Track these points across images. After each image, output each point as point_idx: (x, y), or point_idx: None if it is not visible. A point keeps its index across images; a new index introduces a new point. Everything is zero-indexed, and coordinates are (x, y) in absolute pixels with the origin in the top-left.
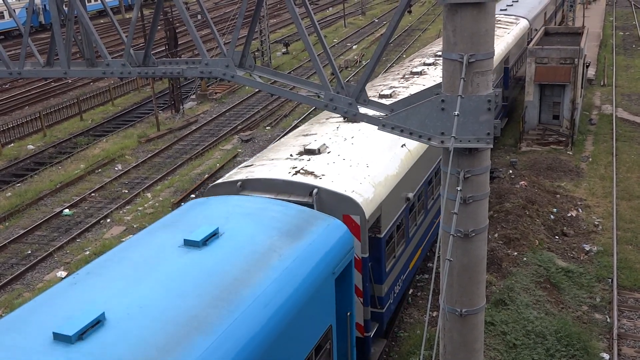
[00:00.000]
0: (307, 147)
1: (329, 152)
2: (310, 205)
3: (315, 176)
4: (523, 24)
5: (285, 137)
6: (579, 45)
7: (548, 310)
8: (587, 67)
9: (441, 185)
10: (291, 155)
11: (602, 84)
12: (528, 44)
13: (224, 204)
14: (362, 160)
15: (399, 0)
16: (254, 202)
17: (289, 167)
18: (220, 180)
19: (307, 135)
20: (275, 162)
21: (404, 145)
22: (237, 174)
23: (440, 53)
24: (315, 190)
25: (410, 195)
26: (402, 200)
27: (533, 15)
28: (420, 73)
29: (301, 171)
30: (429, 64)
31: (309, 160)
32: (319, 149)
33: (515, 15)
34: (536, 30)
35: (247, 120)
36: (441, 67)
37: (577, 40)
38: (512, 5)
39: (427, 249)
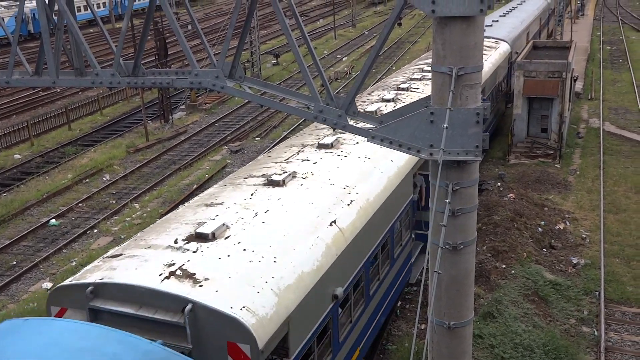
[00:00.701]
0: (199, 231)
1: (226, 237)
2: (182, 328)
3: (195, 282)
4: (503, 48)
5: (187, 203)
6: (566, 59)
7: (536, 323)
8: (575, 80)
9: (430, 198)
10: (175, 241)
11: (589, 97)
12: (510, 70)
13: (34, 337)
14: (269, 251)
15: (389, 13)
16: (80, 337)
17: (163, 263)
18: (67, 282)
19: (209, 205)
20: (150, 253)
21: (334, 222)
22: (93, 272)
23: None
24: (188, 307)
25: (340, 291)
26: (326, 299)
27: (514, 36)
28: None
29: (177, 272)
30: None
31: (195, 251)
32: (213, 234)
33: (495, 38)
34: (517, 52)
35: (236, 131)
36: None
37: (565, 54)
38: (491, 25)
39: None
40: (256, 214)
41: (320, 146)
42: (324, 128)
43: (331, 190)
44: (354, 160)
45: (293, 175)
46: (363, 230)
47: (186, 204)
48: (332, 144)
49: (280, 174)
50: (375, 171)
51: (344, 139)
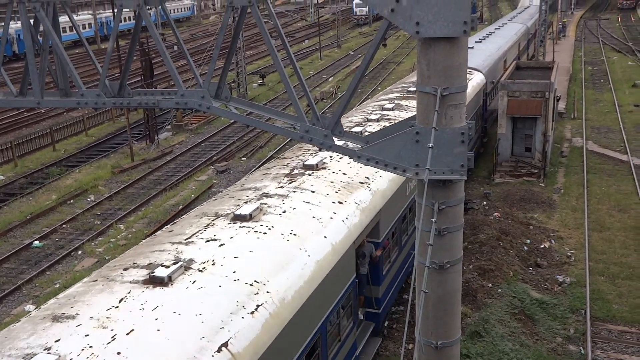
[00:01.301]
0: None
1: None
2: None
3: None
4: (477, 79)
5: (30, 315)
6: (549, 79)
7: (523, 342)
8: (558, 100)
9: (416, 217)
10: None
11: (572, 117)
12: (485, 102)
13: None
14: None
15: (374, 34)
16: None
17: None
18: None
19: (58, 318)
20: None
21: (224, 346)
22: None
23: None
24: None
25: None
26: None
27: (490, 65)
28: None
29: None
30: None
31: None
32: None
33: (468, 68)
34: (493, 82)
35: (222, 151)
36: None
37: (548, 75)
38: None
39: None
40: (113, 338)
41: (236, 218)
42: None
43: (232, 291)
44: (275, 239)
45: (186, 266)
46: (272, 348)
47: (30, 316)
48: (250, 214)
49: (168, 266)
50: (301, 255)
51: (268, 207)
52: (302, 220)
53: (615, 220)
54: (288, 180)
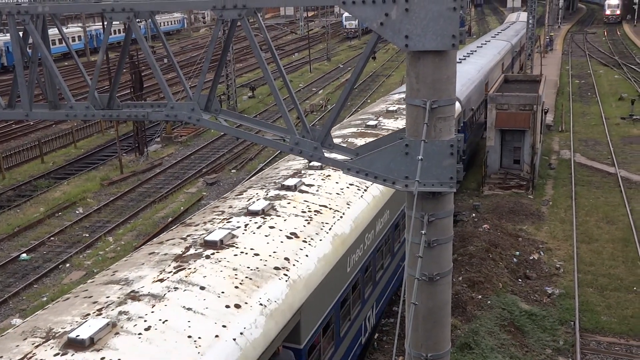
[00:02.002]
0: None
1: None
2: None
3: None
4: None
5: None
6: (537, 92)
7: (513, 354)
8: (546, 113)
9: (406, 229)
10: None
11: (560, 129)
12: (463, 132)
13: None
14: None
15: (364, 47)
16: None
17: None
18: None
19: None
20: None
21: None
22: None
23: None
24: None
25: None
26: None
27: (468, 90)
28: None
29: None
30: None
31: None
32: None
33: None
34: (472, 109)
35: (212, 163)
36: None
37: (536, 88)
38: None
39: None
40: None
41: (70, 345)
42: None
43: None
44: None
45: None
46: None
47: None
48: (91, 338)
49: None
50: None
51: (127, 320)
52: (170, 345)
53: (604, 232)
54: (175, 267)
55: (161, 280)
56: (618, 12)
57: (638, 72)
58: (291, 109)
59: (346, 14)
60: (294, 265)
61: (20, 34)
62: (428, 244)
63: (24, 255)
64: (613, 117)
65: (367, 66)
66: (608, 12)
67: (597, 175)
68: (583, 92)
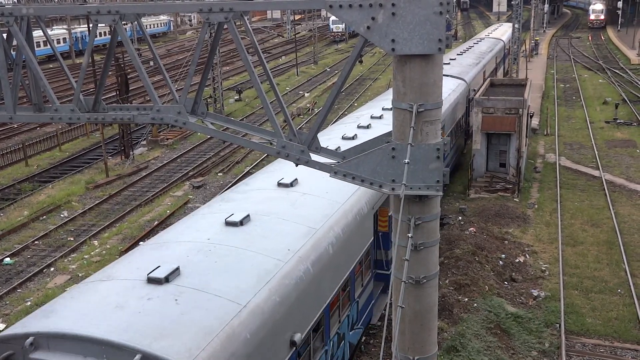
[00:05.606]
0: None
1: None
2: None
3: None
4: None
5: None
6: (523, 96)
7: (499, 357)
8: (531, 117)
9: (392, 232)
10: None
11: (545, 133)
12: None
13: None
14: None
15: (351, 50)
16: None
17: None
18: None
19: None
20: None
21: None
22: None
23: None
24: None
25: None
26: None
27: (446, 114)
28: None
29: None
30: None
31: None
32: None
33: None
34: (454, 130)
35: (199, 166)
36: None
37: (521, 92)
38: None
39: None
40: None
41: None
42: None
43: None
44: None
45: None
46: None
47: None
48: None
49: None
50: None
51: None
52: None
53: (588, 235)
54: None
55: None
56: (602, 17)
57: (622, 76)
58: (278, 112)
59: (333, 18)
60: None
61: (4, 35)
62: (415, 247)
63: (8, 259)
64: (597, 120)
65: (354, 70)
66: (592, 17)
67: (582, 178)
68: (568, 96)
